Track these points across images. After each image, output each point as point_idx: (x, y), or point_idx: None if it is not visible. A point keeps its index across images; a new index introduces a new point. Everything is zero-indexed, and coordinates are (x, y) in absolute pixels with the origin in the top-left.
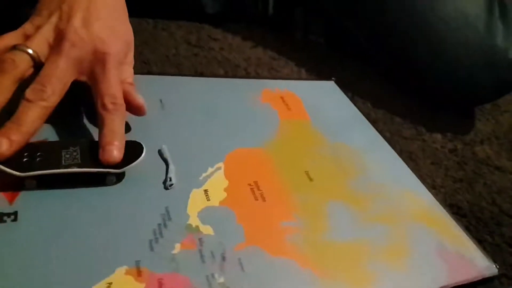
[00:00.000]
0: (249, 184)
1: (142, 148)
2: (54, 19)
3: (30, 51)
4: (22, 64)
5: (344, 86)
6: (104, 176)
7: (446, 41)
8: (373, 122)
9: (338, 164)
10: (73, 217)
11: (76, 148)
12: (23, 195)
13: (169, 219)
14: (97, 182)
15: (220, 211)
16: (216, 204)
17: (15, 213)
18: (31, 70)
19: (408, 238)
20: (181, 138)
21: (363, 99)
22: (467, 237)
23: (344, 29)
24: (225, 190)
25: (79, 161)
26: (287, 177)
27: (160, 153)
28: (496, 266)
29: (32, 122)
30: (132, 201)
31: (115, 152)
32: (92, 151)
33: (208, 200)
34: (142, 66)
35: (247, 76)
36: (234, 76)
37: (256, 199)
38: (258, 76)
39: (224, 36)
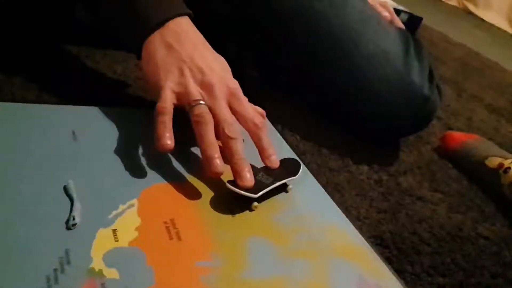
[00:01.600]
0: (165, 222)
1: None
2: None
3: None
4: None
5: (275, 119)
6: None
7: (369, 77)
8: (301, 154)
9: None
10: None
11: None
12: None
13: (68, 263)
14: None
15: (129, 252)
16: (125, 244)
17: None
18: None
19: (328, 273)
20: (93, 173)
21: (292, 131)
22: (388, 270)
23: (275, 64)
24: (137, 229)
25: (268, 176)
26: (207, 213)
27: (65, 189)
28: None
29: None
30: (27, 244)
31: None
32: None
33: (116, 240)
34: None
35: None
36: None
37: (171, 238)
38: None
39: None
